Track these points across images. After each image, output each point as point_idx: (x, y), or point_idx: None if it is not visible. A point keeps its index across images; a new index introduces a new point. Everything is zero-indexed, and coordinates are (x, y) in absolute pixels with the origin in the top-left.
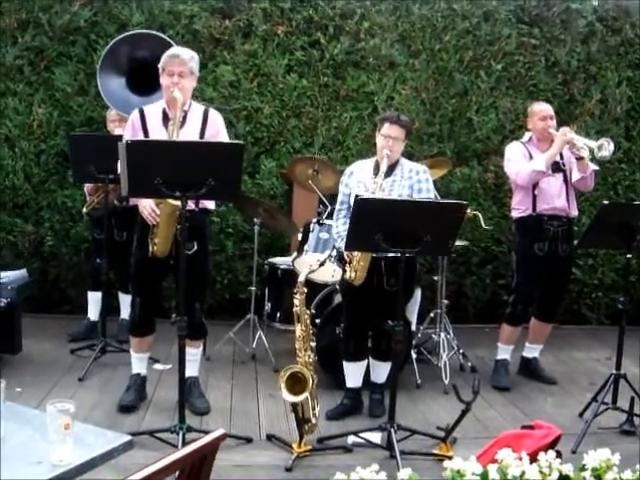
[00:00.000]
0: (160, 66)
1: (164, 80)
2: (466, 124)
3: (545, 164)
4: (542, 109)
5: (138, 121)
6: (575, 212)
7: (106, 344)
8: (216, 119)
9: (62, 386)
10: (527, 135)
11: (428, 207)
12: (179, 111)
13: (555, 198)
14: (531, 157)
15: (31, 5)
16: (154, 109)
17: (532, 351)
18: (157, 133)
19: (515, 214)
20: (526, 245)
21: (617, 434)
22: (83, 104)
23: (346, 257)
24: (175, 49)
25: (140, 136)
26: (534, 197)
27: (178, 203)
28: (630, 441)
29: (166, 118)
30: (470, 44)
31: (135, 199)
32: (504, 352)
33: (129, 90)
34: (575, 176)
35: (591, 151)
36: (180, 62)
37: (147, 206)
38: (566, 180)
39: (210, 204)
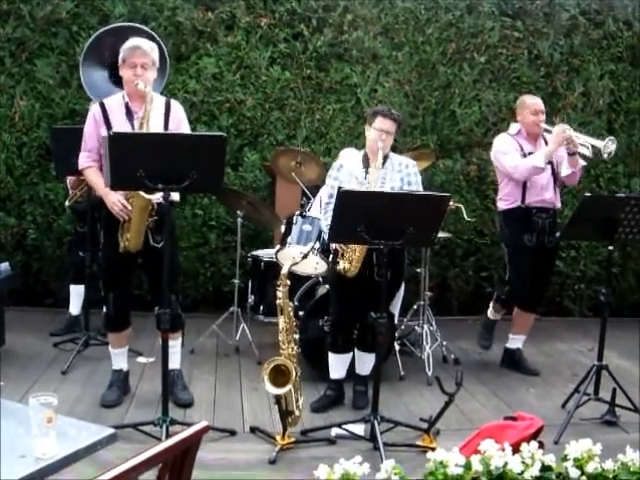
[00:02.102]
0: (120, 58)
1: (126, 72)
2: (449, 116)
3: (544, 160)
4: (534, 102)
5: (100, 115)
6: (559, 204)
7: (89, 337)
8: (178, 110)
9: (45, 379)
10: (515, 127)
11: (411, 199)
12: (149, 104)
13: (544, 190)
14: (522, 149)
15: None
16: (115, 102)
17: (515, 342)
18: (120, 126)
19: (502, 205)
20: (516, 237)
21: (599, 425)
22: (65, 96)
23: (339, 249)
24: (135, 40)
25: (103, 130)
26: (524, 189)
27: (151, 196)
28: (612, 432)
29: (129, 111)
30: (453, 37)
31: (102, 195)
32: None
33: (112, 82)
34: (565, 171)
35: (597, 150)
36: (142, 53)
37: (117, 202)
38: (554, 172)
39: (175, 196)
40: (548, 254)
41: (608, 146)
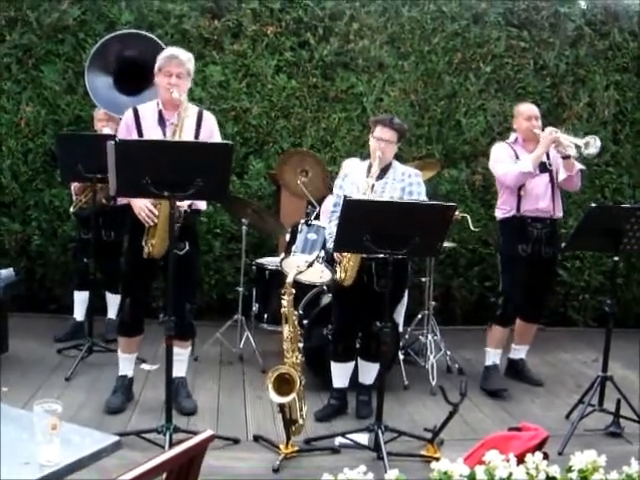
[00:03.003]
0: (157, 66)
1: (161, 80)
2: (455, 126)
3: (532, 165)
4: (527, 109)
5: (132, 120)
6: (560, 214)
7: (93, 344)
8: (210, 120)
9: (49, 386)
10: (513, 136)
11: (416, 209)
12: (183, 112)
13: (540, 199)
14: (517, 157)
15: (20, 3)
16: (148, 109)
17: (518, 352)
18: (152, 133)
19: (499, 214)
20: (510, 246)
21: (603, 436)
22: (71, 103)
23: (336, 257)
24: (172, 50)
25: (134, 136)
26: (519, 198)
27: (180, 203)
28: (616, 443)
29: (162, 119)
30: (459, 46)
31: (126, 200)
32: (494, 356)
33: (116, 89)
34: (561, 176)
35: (578, 148)
36: (178, 63)
37: (144, 207)
38: (552, 181)
39: (202, 205)
40: (545, 265)
41: (590, 144)
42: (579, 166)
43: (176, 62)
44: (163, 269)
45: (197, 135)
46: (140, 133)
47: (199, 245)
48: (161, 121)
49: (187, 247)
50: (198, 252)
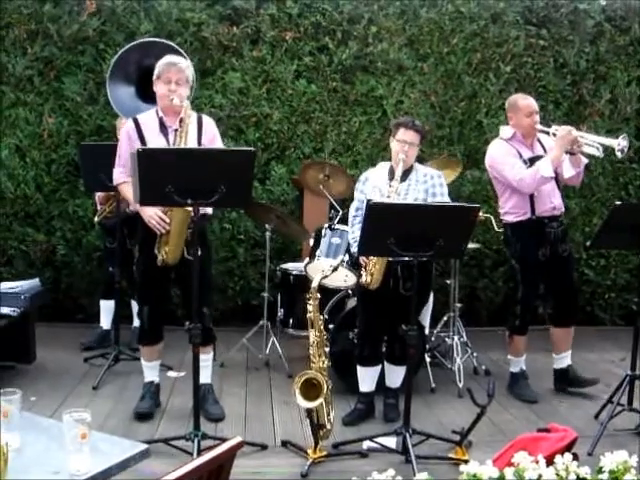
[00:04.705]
0: (155, 74)
1: (160, 88)
2: (476, 127)
3: (553, 169)
4: (528, 104)
5: (134, 131)
6: (563, 209)
7: (119, 352)
8: (210, 124)
9: (76, 395)
10: (508, 130)
11: (440, 211)
12: (187, 119)
13: (551, 197)
14: (520, 156)
15: (40, 16)
16: (149, 117)
17: (563, 361)
18: (155, 141)
19: (510, 218)
20: (529, 252)
21: (633, 435)
22: (93, 113)
23: (361, 261)
24: (170, 57)
25: (137, 145)
26: (532, 199)
27: (190, 209)
28: None
29: (163, 126)
30: (478, 46)
31: (138, 209)
32: (519, 363)
33: (138, 98)
34: (569, 172)
35: (610, 150)
36: (177, 70)
37: (154, 215)
38: (556, 175)
39: (208, 209)
40: (565, 263)
41: (620, 143)
42: (585, 160)
43: (175, 69)
44: (177, 277)
45: (199, 140)
46: (143, 142)
47: (211, 249)
48: (163, 129)
49: (199, 252)
50: (211, 256)
